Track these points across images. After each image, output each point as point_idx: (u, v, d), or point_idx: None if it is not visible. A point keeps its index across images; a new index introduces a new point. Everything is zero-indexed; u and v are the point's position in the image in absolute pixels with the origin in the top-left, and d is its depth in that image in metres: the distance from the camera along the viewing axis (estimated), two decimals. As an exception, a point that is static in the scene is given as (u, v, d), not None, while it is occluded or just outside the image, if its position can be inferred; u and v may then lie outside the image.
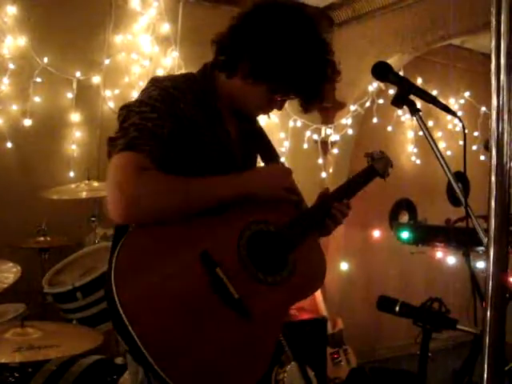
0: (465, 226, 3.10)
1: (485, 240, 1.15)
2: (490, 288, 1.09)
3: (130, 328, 1.24)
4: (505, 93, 1.07)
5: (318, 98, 1.58)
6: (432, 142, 1.35)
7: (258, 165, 1.80)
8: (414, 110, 1.39)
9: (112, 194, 1.33)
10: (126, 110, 1.44)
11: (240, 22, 1.54)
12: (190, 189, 1.42)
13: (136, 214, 1.34)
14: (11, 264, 2.44)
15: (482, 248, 2.62)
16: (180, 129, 1.44)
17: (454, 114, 1.37)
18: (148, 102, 1.43)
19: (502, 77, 1.07)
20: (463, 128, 1.37)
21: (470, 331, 1.59)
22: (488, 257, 1.09)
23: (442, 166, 1.34)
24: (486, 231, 1.11)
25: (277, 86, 1.53)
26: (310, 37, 1.52)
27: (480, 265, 2.86)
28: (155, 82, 1.50)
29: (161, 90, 1.46)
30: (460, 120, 1.36)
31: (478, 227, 1.27)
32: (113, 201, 1.33)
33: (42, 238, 3.19)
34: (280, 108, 1.63)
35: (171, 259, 1.36)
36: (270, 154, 1.75)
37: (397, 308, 1.76)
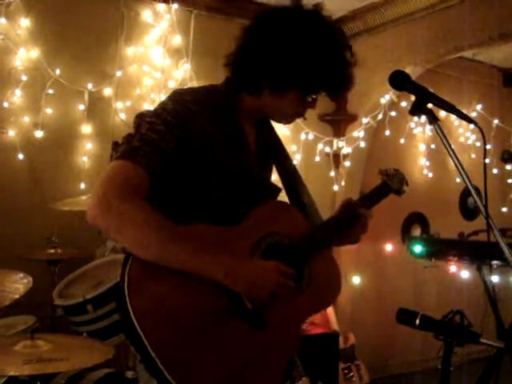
0: (478, 239, 3.04)
1: (507, 252, 1.12)
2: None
3: (143, 338, 1.23)
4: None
5: (348, 84, 1.57)
6: (451, 151, 1.33)
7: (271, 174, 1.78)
8: (432, 119, 1.37)
9: (94, 196, 1.34)
10: (139, 119, 1.44)
11: (248, 40, 1.53)
12: (170, 248, 1.32)
13: (101, 225, 1.33)
14: (22, 275, 2.41)
15: (496, 262, 2.57)
16: (192, 145, 1.42)
17: (472, 121, 1.35)
18: (161, 114, 1.42)
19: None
20: (483, 136, 1.34)
21: (494, 345, 1.56)
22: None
23: (460, 174, 1.31)
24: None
25: (306, 86, 1.52)
26: (318, 27, 1.50)
27: (494, 279, 2.81)
28: (175, 95, 1.49)
29: (178, 104, 1.44)
30: (480, 129, 1.33)
31: (500, 239, 1.24)
32: (92, 202, 1.34)
33: (52, 250, 3.16)
34: (314, 106, 1.61)
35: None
36: (285, 163, 1.74)
37: (417, 321, 1.72)
